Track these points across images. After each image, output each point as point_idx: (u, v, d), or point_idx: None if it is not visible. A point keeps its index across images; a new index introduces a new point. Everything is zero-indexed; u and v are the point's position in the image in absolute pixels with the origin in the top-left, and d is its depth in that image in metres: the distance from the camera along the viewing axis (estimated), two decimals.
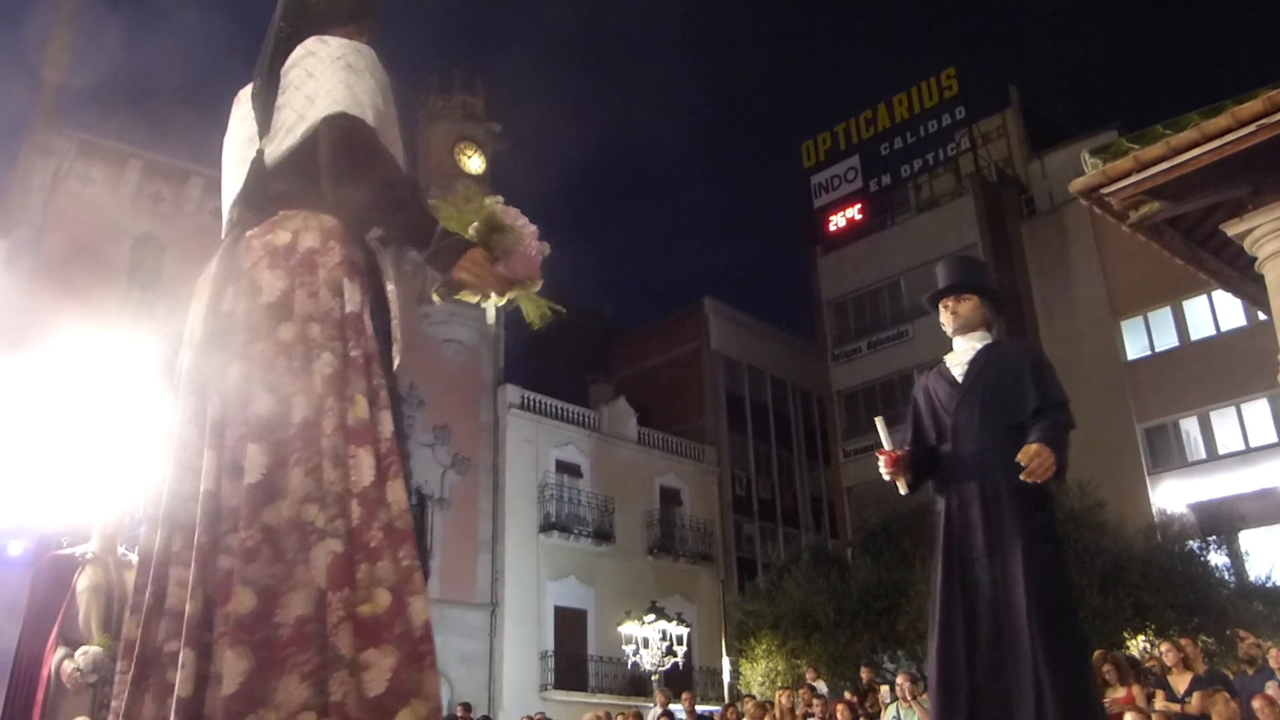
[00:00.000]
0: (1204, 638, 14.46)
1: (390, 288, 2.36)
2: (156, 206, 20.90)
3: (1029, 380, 3.89)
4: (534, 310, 2.41)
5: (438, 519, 23.52)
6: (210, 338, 2.16)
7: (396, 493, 2.02)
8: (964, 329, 4.08)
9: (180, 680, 1.86)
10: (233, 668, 1.82)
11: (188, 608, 1.91)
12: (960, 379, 4.02)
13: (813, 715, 10.06)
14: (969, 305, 4.08)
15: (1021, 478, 3.60)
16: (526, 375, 27.72)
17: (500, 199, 2.37)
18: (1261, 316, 21.58)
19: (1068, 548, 16.41)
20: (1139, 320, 26.23)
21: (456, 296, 2.27)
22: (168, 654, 1.94)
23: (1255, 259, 6.65)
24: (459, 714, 11.03)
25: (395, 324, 2.33)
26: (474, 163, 27.52)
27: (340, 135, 2.13)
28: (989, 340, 4.07)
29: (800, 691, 10.77)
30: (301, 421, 2.01)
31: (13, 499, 8.69)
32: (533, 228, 2.32)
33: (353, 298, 2.16)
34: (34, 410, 9.16)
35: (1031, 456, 3.59)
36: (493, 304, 2.31)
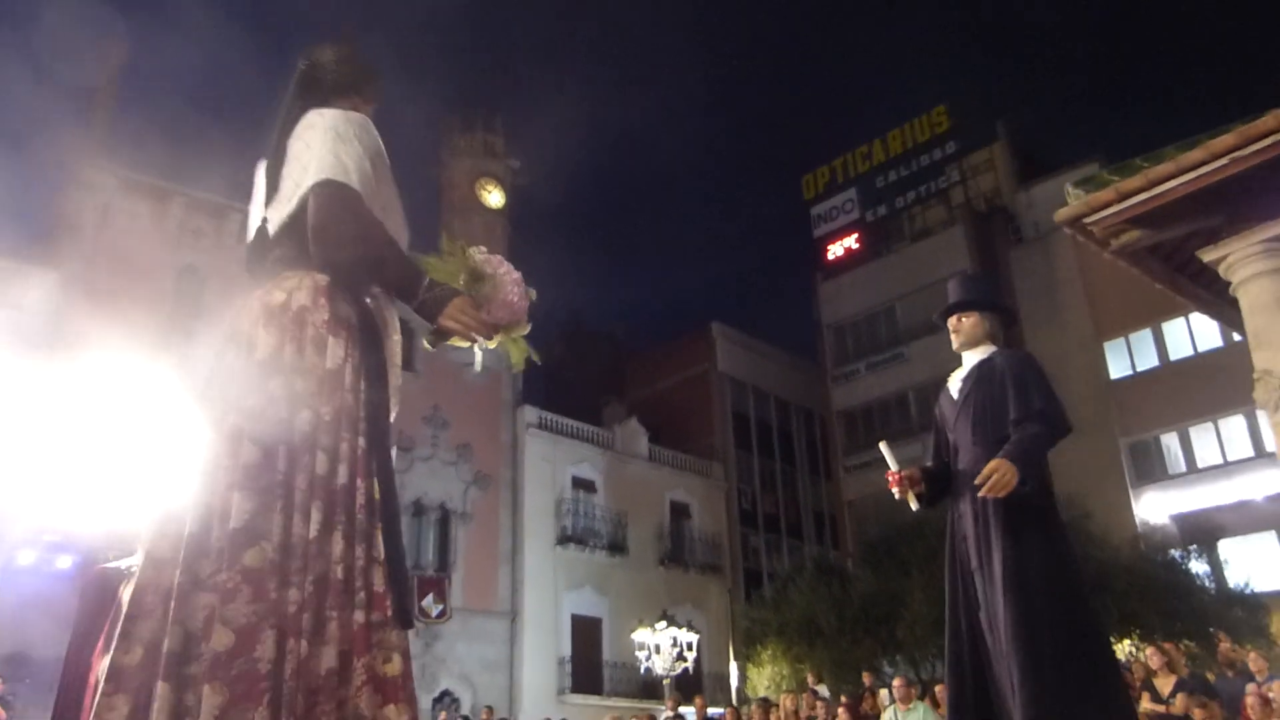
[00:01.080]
0: (1187, 642, 14.35)
1: (395, 338, 2.36)
2: (198, 240, 21.05)
3: (1010, 391, 3.79)
4: (517, 353, 2.41)
5: (460, 533, 23.50)
6: (211, 389, 2.21)
7: (338, 544, 2.01)
8: (967, 345, 4.03)
9: (156, 711, 1.86)
10: (208, 701, 1.83)
11: (166, 643, 1.92)
12: (957, 395, 3.99)
13: (815, 718, 9.98)
14: (970, 322, 4.03)
15: (980, 494, 3.52)
16: (544, 397, 27.76)
17: (483, 249, 2.39)
18: (1237, 337, 21.53)
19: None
20: (1121, 342, 26.19)
21: (447, 342, 2.27)
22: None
23: (1230, 283, 6.64)
24: (483, 717, 10.97)
25: (395, 372, 2.33)
26: (494, 197, 27.66)
27: (324, 200, 2.17)
28: (988, 354, 3.99)
29: (804, 695, 10.69)
30: (285, 471, 2.04)
31: (61, 515, 8.72)
32: (515, 275, 2.34)
33: (335, 354, 2.17)
34: (82, 431, 9.20)
35: (986, 474, 3.50)
36: (479, 348, 2.32)
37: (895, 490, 3.85)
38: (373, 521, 2.07)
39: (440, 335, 2.24)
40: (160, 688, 1.87)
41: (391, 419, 2.29)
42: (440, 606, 21.65)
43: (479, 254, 2.36)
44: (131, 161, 20.11)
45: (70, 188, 19.97)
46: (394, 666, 1.98)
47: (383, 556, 2.04)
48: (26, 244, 18.37)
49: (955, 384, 4.03)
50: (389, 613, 2.01)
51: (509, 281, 2.31)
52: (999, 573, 3.56)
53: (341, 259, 2.21)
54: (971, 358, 4.01)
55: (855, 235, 32.51)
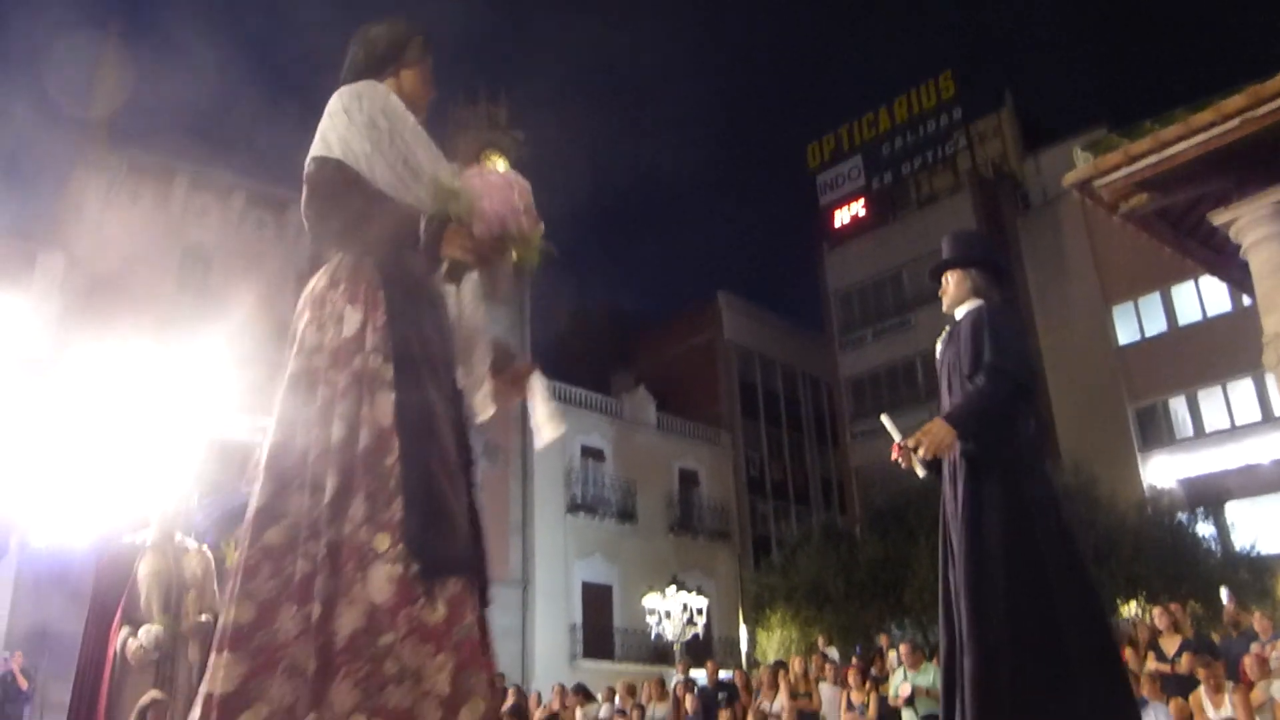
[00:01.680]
0: (1192, 604, 14.39)
1: (454, 299, 2.34)
2: (202, 220, 21.01)
3: (968, 345, 3.71)
4: (531, 254, 2.28)
5: None
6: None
7: (359, 506, 2.01)
8: (954, 303, 3.94)
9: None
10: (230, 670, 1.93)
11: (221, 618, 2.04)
12: (939, 356, 3.95)
13: (824, 679, 10.04)
14: (955, 279, 3.95)
15: (920, 456, 3.49)
16: (552, 367, 27.72)
17: (454, 166, 2.34)
18: (1246, 301, 21.42)
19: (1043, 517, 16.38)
20: (1129, 306, 26.07)
21: (468, 274, 2.23)
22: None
23: (1240, 246, 6.59)
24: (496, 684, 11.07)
25: (455, 324, 2.31)
26: (499, 168, 27.51)
27: (305, 181, 2.23)
28: (968, 310, 3.89)
29: (813, 657, 10.75)
30: (301, 449, 2.08)
31: (77, 494, 8.77)
32: (496, 179, 2.25)
33: (351, 322, 2.18)
34: (94, 411, 9.24)
35: (920, 434, 3.47)
36: (503, 269, 2.26)
37: (900, 461, 3.81)
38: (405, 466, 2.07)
39: (453, 271, 2.20)
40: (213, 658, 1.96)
41: (478, 357, 2.30)
42: None
43: (446, 172, 2.30)
44: (135, 140, 20.05)
45: (74, 168, 19.92)
46: (438, 614, 1.97)
47: (406, 503, 2.02)
48: (33, 226, 18.36)
49: (939, 344, 4.01)
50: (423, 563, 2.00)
51: (485, 189, 2.22)
52: (955, 537, 3.53)
53: (326, 231, 2.25)
54: (957, 315, 3.96)
55: (861, 203, 32.32)
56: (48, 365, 9.39)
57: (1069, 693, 3.27)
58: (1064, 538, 3.56)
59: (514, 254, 2.25)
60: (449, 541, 2.04)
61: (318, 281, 2.28)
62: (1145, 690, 7.42)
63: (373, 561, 1.97)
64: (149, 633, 7.51)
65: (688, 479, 28.86)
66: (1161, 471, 23.78)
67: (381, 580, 1.96)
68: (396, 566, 1.96)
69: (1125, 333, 26.15)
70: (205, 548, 8.30)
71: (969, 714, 3.29)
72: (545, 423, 2.43)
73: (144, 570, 7.78)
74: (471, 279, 2.33)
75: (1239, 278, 7.69)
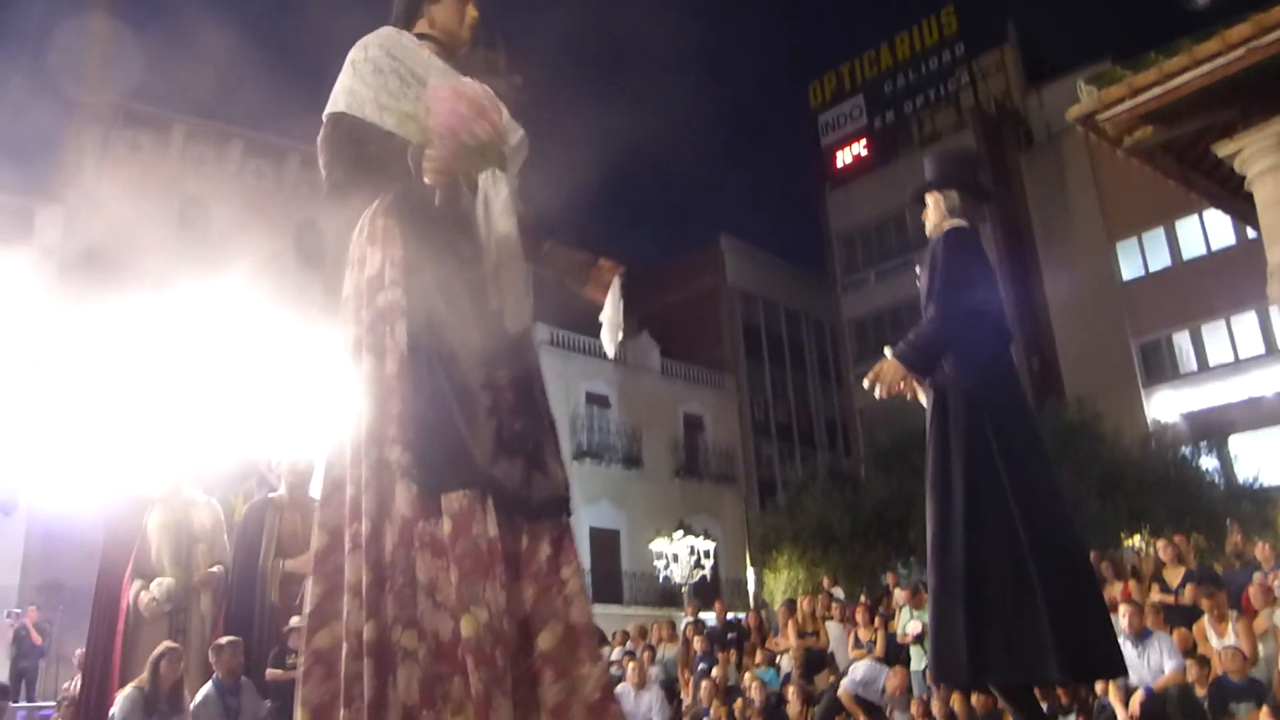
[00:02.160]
0: (1196, 536, 14.48)
1: (482, 220, 2.30)
2: (200, 169, 20.87)
3: (927, 275, 3.68)
4: (494, 160, 2.27)
5: None
6: None
7: (390, 428, 2.17)
8: (933, 230, 3.84)
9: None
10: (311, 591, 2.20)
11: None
12: (918, 284, 3.94)
13: (831, 618, 10.16)
14: (931, 203, 3.85)
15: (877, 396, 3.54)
16: (555, 313, 27.73)
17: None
18: (1250, 234, 21.27)
19: (1066, 459, 16.64)
20: (1133, 242, 25.93)
21: (461, 188, 2.25)
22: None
23: (1244, 177, 6.53)
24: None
25: (485, 244, 2.30)
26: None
27: (317, 141, 2.34)
28: (938, 235, 3.81)
29: (819, 597, 10.86)
30: (349, 390, 2.27)
31: (84, 449, 8.81)
32: (442, 91, 2.23)
33: (373, 262, 2.29)
34: (98, 366, 9.24)
35: (872, 373, 3.51)
36: (486, 177, 2.25)
37: (906, 392, 3.79)
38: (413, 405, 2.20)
39: (444, 193, 2.21)
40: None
41: (507, 276, 2.29)
42: None
43: (409, 99, 2.31)
44: (128, 89, 19.83)
45: (69, 122, 19.74)
46: (445, 527, 2.06)
47: (411, 419, 2.14)
48: (30, 182, 18.24)
49: (917, 270, 3.97)
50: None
51: (433, 105, 2.21)
52: (928, 464, 3.53)
53: (334, 181, 2.31)
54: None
55: (863, 142, 32.01)
56: (49, 321, 9.38)
57: (1018, 623, 3.26)
58: (1027, 467, 3.49)
59: (483, 161, 2.23)
60: (453, 457, 2.11)
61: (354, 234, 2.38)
62: (1149, 621, 7.48)
63: (399, 478, 2.12)
64: (161, 585, 7.59)
65: (693, 423, 28.96)
66: (1165, 406, 23.83)
67: (404, 496, 2.10)
68: (410, 482, 2.10)
69: (1129, 268, 26.05)
70: (213, 500, 8.37)
71: (929, 646, 3.32)
72: (609, 330, 2.51)
73: (153, 523, 7.85)
74: (500, 195, 2.31)
75: (1243, 210, 7.63)
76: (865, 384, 3.56)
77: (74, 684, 9.20)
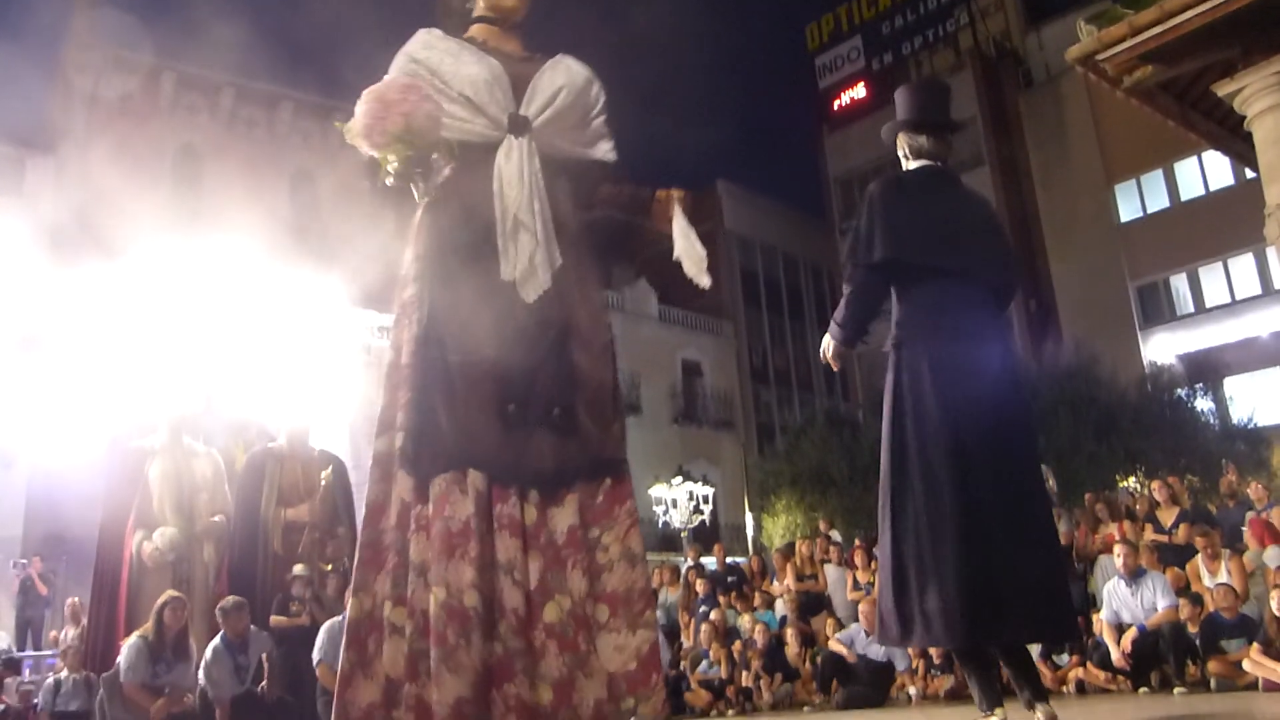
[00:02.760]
0: (1190, 477, 14.58)
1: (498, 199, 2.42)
2: (193, 118, 20.63)
3: None
4: (402, 156, 2.36)
5: None
6: None
7: (396, 416, 2.33)
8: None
9: None
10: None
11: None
12: None
13: (829, 561, 10.25)
14: (898, 145, 3.90)
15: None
16: None
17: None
18: (1249, 175, 21.15)
19: (1063, 402, 16.69)
20: (1132, 184, 25.78)
21: (407, 181, 2.42)
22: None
23: (1244, 117, 6.47)
24: None
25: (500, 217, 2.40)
26: None
27: None
28: None
29: (818, 540, 10.96)
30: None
31: (84, 400, 8.81)
32: (365, 98, 2.34)
33: (405, 259, 2.48)
34: (94, 317, 9.21)
35: (822, 353, 3.77)
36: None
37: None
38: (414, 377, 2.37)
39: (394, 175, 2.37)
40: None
41: (522, 243, 2.38)
42: None
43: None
44: (117, 38, 19.52)
45: (59, 69, 19.46)
46: (428, 509, 2.22)
47: (412, 408, 2.29)
48: (22, 130, 18.04)
49: None
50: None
51: (359, 113, 2.35)
52: None
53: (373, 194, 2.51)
54: None
55: (861, 84, 31.65)
56: (42, 273, 9.33)
57: (926, 589, 3.37)
58: (947, 418, 3.53)
59: (410, 148, 2.34)
60: (437, 443, 2.24)
61: None
62: (1144, 560, 7.56)
63: (399, 466, 2.27)
64: (164, 535, 7.64)
65: (691, 369, 29.00)
66: (1162, 348, 23.86)
67: (403, 483, 2.25)
68: (406, 470, 2.25)
69: (1127, 210, 25.94)
70: (214, 451, 8.39)
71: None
72: (690, 263, 2.59)
73: (154, 474, 7.89)
74: (511, 164, 2.41)
75: (1242, 151, 7.57)
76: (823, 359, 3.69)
77: (64, 634, 9.30)
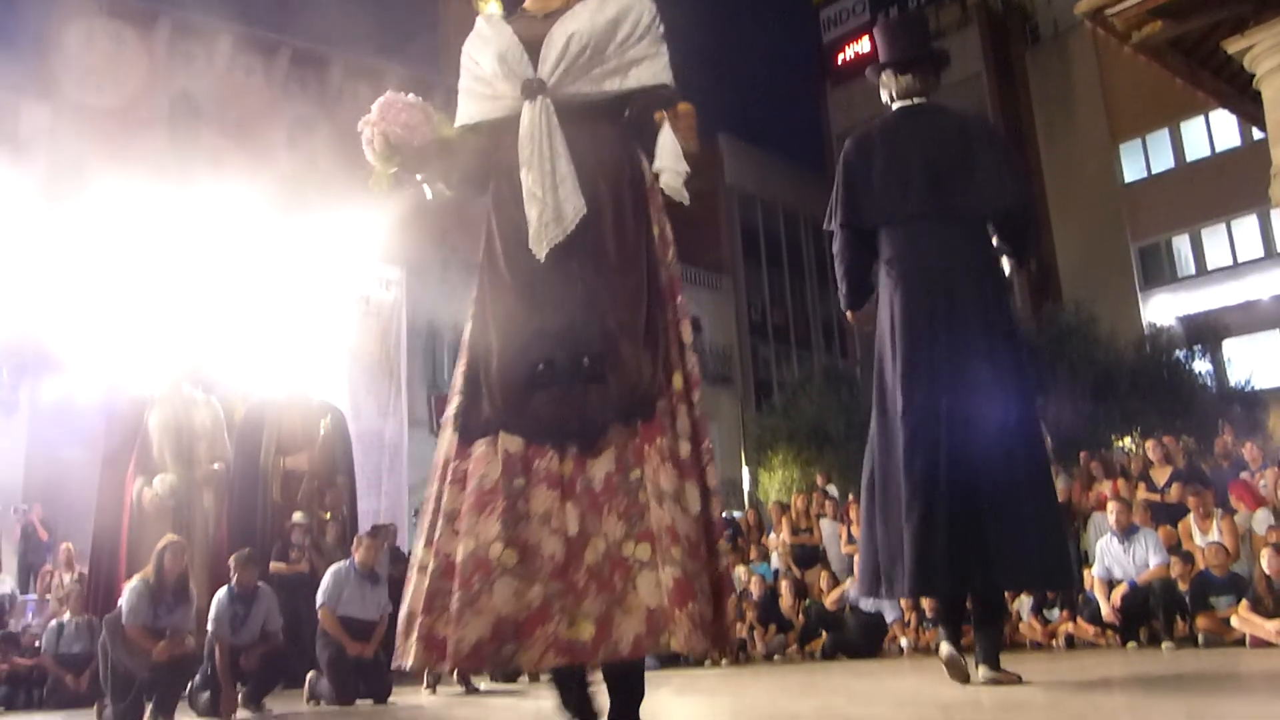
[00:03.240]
0: (1185, 438, 14.64)
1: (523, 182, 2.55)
2: (190, 65, 20.39)
3: None
4: (386, 175, 2.66)
5: None
6: None
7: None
8: None
9: None
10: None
11: None
12: None
13: (824, 515, 10.33)
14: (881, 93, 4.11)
15: None
16: None
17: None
18: (1256, 135, 20.95)
19: (1061, 362, 16.73)
20: (1137, 143, 25.60)
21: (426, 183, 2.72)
22: None
23: (1254, 76, 6.41)
24: None
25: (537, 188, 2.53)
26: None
27: None
28: None
29: (814, 495, 11.03)
30: None
31: (83, 347, 8.82)
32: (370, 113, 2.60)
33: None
34: (92, 265, 9.19)
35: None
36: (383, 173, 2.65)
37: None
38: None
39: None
40: None
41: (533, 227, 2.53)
42: None
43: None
44: None
45: (54, 14, 19.19)
46: (464, 466, 2.44)
47: (463, 371, 2.54)
48: (18, 75, 17.83)
49: None
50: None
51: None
52: None
53: None
54: None
55: (866, 39, 31.27)
56: (40, 220, 9.29)
57: (884, 543, 3.66)
58: (906, 368, 3.76)
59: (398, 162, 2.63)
60: (478, 410, 2.46)
61: None
62: (1137, 518, 7.62)
63: (450, 426, 2.51)
64: (164, 481, 7.70)
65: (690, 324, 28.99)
66: (1162, 309, 23.85)
67: (450, 441, 2.47)
68: (453, 430, 2.48)
69: (1131, 170, 25.79)
70: (213, 399, 8.42)
71: None
72: (665, 176, 2.58)
73: (154, 421, 7.92)
74: (525, 122, 2.54)
75: (1250, 110, 7.51)
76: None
77: (53, 578, 9.36)
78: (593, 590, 2.31)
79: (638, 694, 2.47)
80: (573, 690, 2.48)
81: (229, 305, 9.70)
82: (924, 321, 3.79)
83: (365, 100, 2.60)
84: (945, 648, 3.80)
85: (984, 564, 3.52)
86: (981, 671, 3.75)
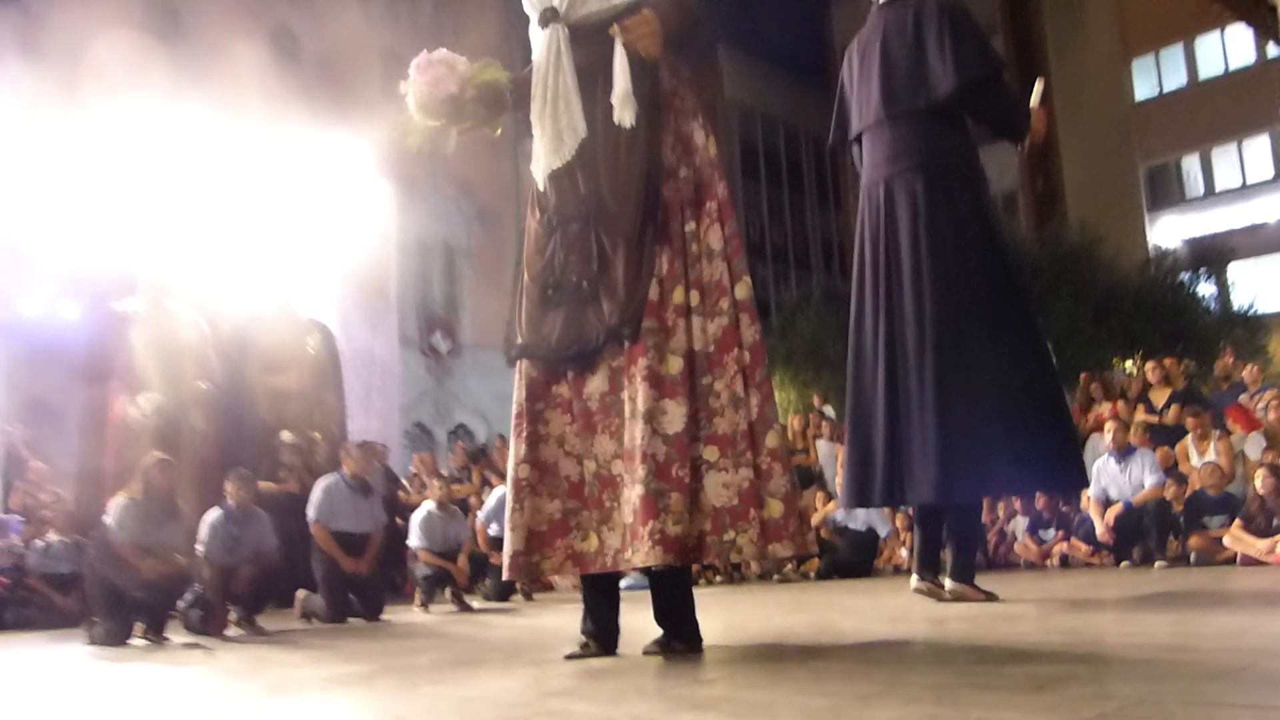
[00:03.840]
0: (1186, 361, 14.71)
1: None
2: None
3: None
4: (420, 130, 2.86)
5: (466, 270, 23.70)
6: None
7: None
8: None
9: None
10: None
11: None
12: None
13: (821, 436, 10.43)
14: None
15: None
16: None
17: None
18: (1271, 53, 20.68)
19: (1064, 283, 16.71)
20: (1149, 60, 25.22)
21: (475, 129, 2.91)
22: None
23: None
24: (497, 444, 11.52)
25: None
26: None
27: None
28: None
29: (810, 415, 11.11)
30: None
31: (62, 262, 8.75)
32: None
33: None
34: (70, 176, 9.07)
35: None
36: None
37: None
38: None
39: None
40: None
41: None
42: (450, 343, 22.21)
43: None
44: None
45: None
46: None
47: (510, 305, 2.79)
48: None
49: None
50: None
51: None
52: None
53: None
54: None
55: None
56: (16, 131, 9.14)
57: (857, 439, 3.90)
58: (867, 274, 3.95)
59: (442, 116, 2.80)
60: (513, 337, 2.70)
61: None
62: (1134, 439, 7.69)
63: None
64: (149, 400, 7.72)
65: None
66: (1168, 231, 23.79)
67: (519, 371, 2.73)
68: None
69: (1143, 88, 25.48)
70: (198, 316, 8.40)
71: None
72: (619, 102, 2.58)
73: (138, 338, 7.91)
74: (535, 52, 2.73)
75: (1269, 24, 7.39)
76: None
77: (28, 499, 9.37)
78: (591, 507, 2.55)
79: (676, 600, 2.67)
80: (601, 615, 2.68)
81: (213, 220, 9.61)
82: (884, 226, 3.84)
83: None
84: (914, 580, 3.93)
85: (952, 475, 3.60)
86: (948, 585, 3.85)
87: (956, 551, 3.94)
